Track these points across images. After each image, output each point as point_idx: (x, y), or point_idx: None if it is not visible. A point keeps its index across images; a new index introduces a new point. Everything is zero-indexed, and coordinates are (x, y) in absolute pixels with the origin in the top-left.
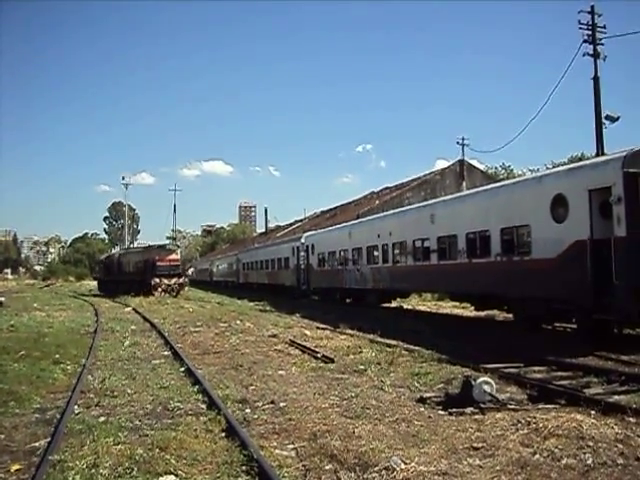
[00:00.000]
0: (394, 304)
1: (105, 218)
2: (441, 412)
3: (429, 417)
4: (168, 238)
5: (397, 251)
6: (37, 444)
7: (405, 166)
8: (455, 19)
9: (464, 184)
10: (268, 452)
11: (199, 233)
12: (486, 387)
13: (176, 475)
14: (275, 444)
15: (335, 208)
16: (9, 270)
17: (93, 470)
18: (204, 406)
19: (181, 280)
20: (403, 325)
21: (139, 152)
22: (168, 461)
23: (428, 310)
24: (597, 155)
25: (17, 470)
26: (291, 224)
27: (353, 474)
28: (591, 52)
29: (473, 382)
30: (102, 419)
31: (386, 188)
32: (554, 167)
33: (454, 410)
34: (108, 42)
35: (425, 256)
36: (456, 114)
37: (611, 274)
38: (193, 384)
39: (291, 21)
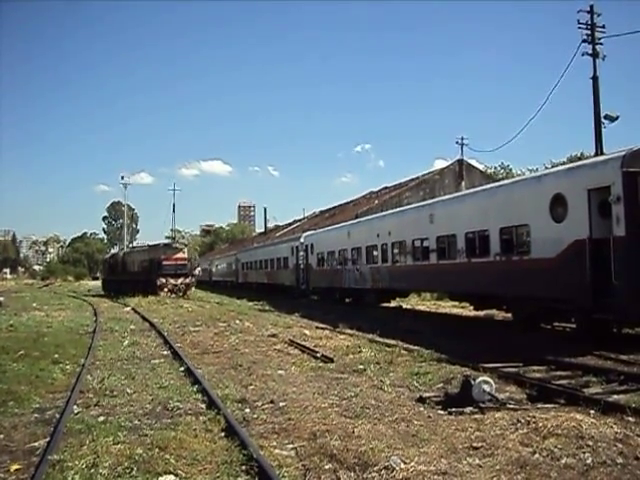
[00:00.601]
0: (393, 304)
1: (104, 218)
2: (440, 412)
3: (428, 417)
4: (167, 238)
5: (396, 251)
6: (36, 444)
7: (404, 166)
8: (454, 19)
9: (463, 184)
10: (268, 452)
11: (198, 233)
12: (485, 387)
13: (176, 475)
14: (275, 444)
15: (334, 208)
16: (8, 270)
17: (92, 470)
18: (203, 406)
19: (188, 280)
20: (402, 325)
21: (138, 152)
22: (168, 461)
23: (427, 310)
24: (596, 155)
25: (17, 470)
26: (290, 224)
27: (353, 474)
28: (590, 52)
29: (472, 382)
30: (101, 419)
31: (385, 188)
32: (553, 167)
33: (453, 410)
34: (105, 42)
35: (424, 256)
36: (455, 114)
37: (610, 274)
38: (192, 384)
39: (289, 21)
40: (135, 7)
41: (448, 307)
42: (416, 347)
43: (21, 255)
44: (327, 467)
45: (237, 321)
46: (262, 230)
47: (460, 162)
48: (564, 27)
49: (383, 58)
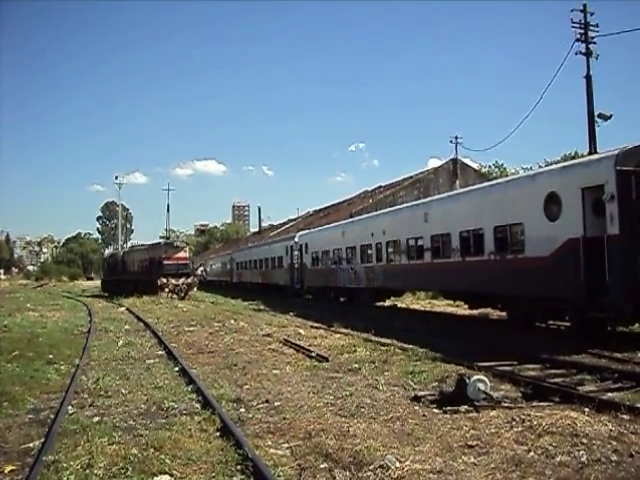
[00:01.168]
0: (388, 303)
1: (98, 218)
2: (435, 410)
3: (423, 415)
4: (162, 237)
5: (391, 250)
6: (31, 445)
7: (398, 165)
8: (448, 19)
9: (457, 183)
10: (263, 451)
11: (192, 233)
12: (480, 385)
13: (171, 475)
14: (270, 443)
15: (328, 207)
16: (2, 270)
17: (87, 470)
18: (198, 406)
19: (190, 280)
20: (397, 324)
21: (132, 152)
22: (163, 461)
23: (422, 309)
24: (590, 153)
25: (11, 471)
26: (285, 223)
27: (348, 473)
28: (584, 51)
29: (467, 380)
30: (96, 419)
31: (379, 187)
32: (547, 165)
33: (448, 408)
34: (101, 44)
35: (419, 255)
36: (449, 113)
37: (604, 272)
38: (187, 384)
39: (284, 21)
40: (130, 8)
41: (443, 306)
42: (411, 346)
43: (15, 255)
44: (322, 466)
45: (232, 321)
46: (257, 230)
47: (454, 161)
48: (558, 26)
49: (376, 57)
